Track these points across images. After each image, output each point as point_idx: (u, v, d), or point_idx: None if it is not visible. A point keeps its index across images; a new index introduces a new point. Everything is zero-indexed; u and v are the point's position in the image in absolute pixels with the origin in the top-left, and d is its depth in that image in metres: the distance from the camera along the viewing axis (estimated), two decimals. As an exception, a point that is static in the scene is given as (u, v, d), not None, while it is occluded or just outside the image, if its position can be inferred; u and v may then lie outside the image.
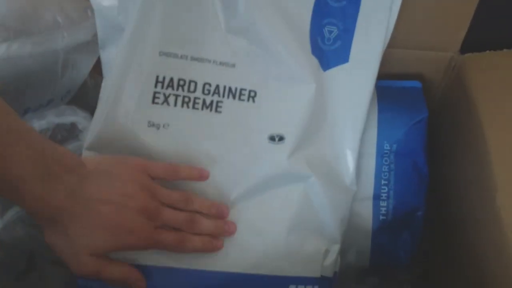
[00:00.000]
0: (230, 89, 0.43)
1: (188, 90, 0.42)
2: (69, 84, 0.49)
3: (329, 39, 0.45)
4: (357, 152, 0.46)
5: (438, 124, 0.55)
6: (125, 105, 0.42)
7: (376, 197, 0.48)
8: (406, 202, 0.49)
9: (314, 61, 0.44)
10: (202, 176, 0.42)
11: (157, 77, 0.42)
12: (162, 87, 0.42)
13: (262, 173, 0.43)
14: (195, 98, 0.42)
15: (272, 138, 0.43)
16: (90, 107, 0.51)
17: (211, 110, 0.43)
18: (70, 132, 0.48)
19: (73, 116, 0.47)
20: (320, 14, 0.44)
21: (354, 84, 0.45)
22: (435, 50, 0.54)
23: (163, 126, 0.42)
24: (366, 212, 0.49)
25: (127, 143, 0.42)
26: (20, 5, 0.45)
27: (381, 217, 0.49)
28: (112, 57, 0.45)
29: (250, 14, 0.42)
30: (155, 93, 0.42)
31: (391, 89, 0.51)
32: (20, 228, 0.45)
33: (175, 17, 0.42)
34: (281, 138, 0.43)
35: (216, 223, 0.42)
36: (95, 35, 0.47)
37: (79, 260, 0.37)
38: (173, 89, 0.42)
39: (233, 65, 0.43)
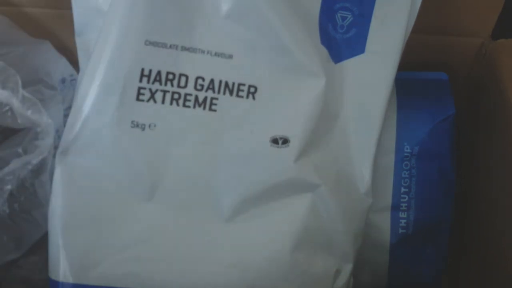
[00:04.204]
0: (226, 84, 0.42)
1: (178, 85, 0.41)
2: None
3: (342, 26, 0.44)
4: (374, 157, 0.45)
5: (465, 122, 0.55)
6: (105, 102, 0.41)
7: (395, 208, 0.48)
8: (429, 213, 0.49)
9: (324, 51, 0.43)
10: None
11: (143, 70, 0.41)
12: (148, 81, 0.41)
13: (263, 181, 0.42)
14: (186, 94, 0.41)
15: (275, 141, 0.42)
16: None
17: (204, 108, 0.42)
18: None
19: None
20: (332, -3, 0.44)
21: (370, 78, 0.44)
22: (463, 36, 0.54)
23: (149, 126, 0.41)
24: (383, 225, 0.49)
25: (107, 146, 0.41)
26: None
27: (400, 230, 0.49)
28: (90, 45, 0.43)
29: None
30: (139, 88, 0.41)
31: (412, 82, 0.51)
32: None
33: (164, 1, 0.41)
34: (285, 141, 0.42)
35: None
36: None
37: None
38: (160, 83, 0.41)
39: (230, 56, 0.42)
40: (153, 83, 0.41)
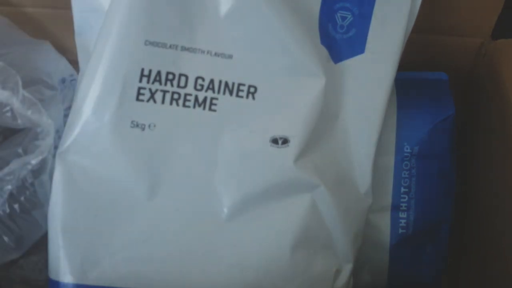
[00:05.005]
0: (226, 84, 0.41)
1: (178, 85, 0.41)
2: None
3: (342, 26, 0.44)
4: (374, 157, 0.45)
5: (465, 122, 0.54)
6: (104, 102, 0.40)
7: (395, 208, 0.48)
8: (429, 213, 0.49)
9: (324, 51, 0.43)
10: None
11: (142, 70, 0.41)
12: (148, 81, 0.41)
13: (263, 182, 0.42)
14: (186, 94, 0.41)
15: (274, 141, 0.42)
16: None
17: (204, 108, 0.41)
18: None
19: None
20: (332, -4, 0.43)
21: (370, 78, 0.44)
22: (463, 36, 0.54)
23: (149, 126, 0.41)
24: (383, 225, 0.48)
25: (107, 146, 0.41)
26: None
27: (400, 231, 0.48)
28: (90, 45, 0.43)
29: None
30: (139, 88, 0.41)
31: (412, 82, 0.50)
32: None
33: (164, 1, 0.41)
34: (285, 141, 0.42)
35: None
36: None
37: None
38: (160, 84, 0.41)
39: (230, 56, 0.42)
40: (153, 83, 0.41)
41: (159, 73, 0.41)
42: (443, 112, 0.48)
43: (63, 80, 0.51)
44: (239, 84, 0.42)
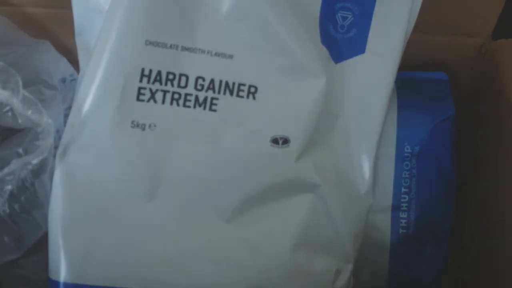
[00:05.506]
0: (227, 84, 0.41)
1: (178, 85, 0.41)
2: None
3: (343, 26, 0.43)
4: (374, 157, 0.44)
5: (465, 122, 0.54)
6: (105, 102, 0.40)
7: (396, 208, 0.48)
8: (430, 213, 0.48)
9: (324, 51, 0.43)
10: None
11: (143, 69, 0.40)
12: (148, 81, 0.40)
13: (263, 181, 0.42)
14: (186, 94, 0.41)
15: (275, 141, 0.41)
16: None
17: (204, 108, 0.41)
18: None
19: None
20: (332, -4, 0.43)
21: (371, 78, 0.44)
22: (463, 36, 0.54)
23: (149, 126, 0.41)
24: (383, 225, 0.48)
25: (107, 146, 0.40)
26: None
27: (400, 231, 0.48)
28: (90, 45, 0.43)
29: None
30: (140, 88, 0.40)
31: (412, 82, 0.50)
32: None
33: (164, 0, 0.40)
34: (285, 141, 0.41)
35: None
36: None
37: None
38: (161, 83, 0.41)
39: (231, 56, 0.41)
40: (153, 83, 0.41)
41: (159, 73, 0.41)
42: (443, 112, 0.48)
43: (63, 80, 0.50)
44: (240, 84, 0.41)
